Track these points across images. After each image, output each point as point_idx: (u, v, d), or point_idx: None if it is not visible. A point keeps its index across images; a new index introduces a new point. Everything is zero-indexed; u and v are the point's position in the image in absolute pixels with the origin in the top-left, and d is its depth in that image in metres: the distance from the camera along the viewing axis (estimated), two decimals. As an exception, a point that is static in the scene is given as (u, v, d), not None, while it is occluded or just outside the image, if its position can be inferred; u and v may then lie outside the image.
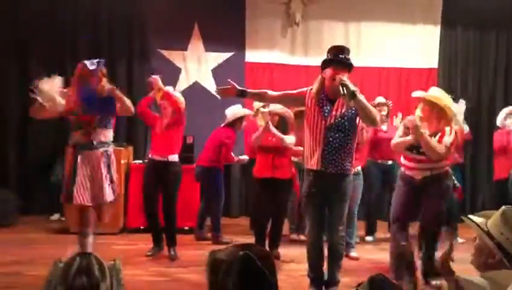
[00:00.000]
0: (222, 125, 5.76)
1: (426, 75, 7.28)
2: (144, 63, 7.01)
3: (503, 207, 1.69)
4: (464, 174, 6.46)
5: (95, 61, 4.03)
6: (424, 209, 4.06)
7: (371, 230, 5.86)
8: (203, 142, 5.98)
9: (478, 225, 1.69)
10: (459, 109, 4.17)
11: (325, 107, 3.58)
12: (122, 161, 5.78)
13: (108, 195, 4.02)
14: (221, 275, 1.53)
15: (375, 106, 5.91)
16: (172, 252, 4.97)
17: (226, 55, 7.14)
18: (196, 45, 7.11)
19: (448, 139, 3.94)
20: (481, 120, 7.34)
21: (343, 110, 3.57)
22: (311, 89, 3.67)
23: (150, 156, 5.18)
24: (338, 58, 3.58)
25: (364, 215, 5.96)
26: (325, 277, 3.77)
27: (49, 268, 1.52)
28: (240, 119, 5.67)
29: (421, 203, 4.05)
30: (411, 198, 4.03)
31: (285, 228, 5.46)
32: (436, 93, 4.05)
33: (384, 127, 5.64)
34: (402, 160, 4.17)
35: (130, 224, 6.00)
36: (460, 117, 4.24)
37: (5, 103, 6.91)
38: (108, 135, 4.11)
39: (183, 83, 7.09)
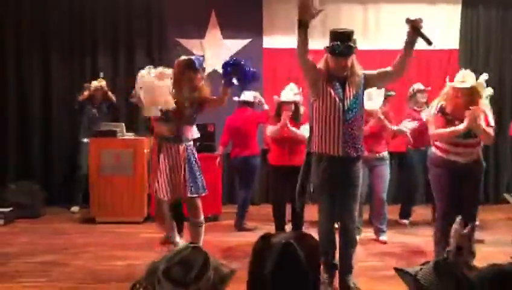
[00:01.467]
0: (239, 107, 5.74)
1: (447, 56, 7.17)
2: (163, 53, 7.03)
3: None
4: (488, 154, 6.32)
5: (199, 58, 4.11)
6: (467, 191, 3.95)
7: (408, 214, 5.99)
8: (221, 128, 5.97)
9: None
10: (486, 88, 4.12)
11: (339, 89, 3.48)
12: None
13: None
14: (260, 259, 1.51)
15: (415, 93, 5.88)
16: None
17: (243, 42, 7.12)
18: (214, 33, 7.10)
19: (491, 119, 3.91)
20: (504, 101, 7.23)
21: (354, 91, 3.50)
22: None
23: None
24: (341, 48, 3.41)
25: (404, 199, 6.12)
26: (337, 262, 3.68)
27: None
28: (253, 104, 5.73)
29: (463, 186, 3.93)
30: (456, 186, 3.91)
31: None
32: (470, 79, 3.94)
33: (423, 115, 5.56)
34: (442, 145, 3.97)
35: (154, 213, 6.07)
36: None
37: (27, 96, 7.01)
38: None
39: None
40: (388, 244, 5.07)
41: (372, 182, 5.17)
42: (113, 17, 7.06)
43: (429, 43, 3.32)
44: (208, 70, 7.13)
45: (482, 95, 3.95)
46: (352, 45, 3.47)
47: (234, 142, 5.76)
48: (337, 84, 3.50)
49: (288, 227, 5.19)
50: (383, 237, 5.17)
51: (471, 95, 3.83)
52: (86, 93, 6.40)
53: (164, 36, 7.03)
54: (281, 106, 5.05)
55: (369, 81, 3.60)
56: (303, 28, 3.37)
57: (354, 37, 3.52)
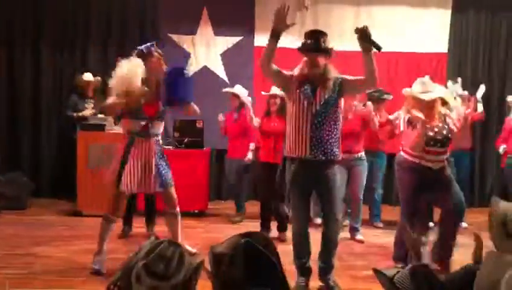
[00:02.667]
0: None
1: (436, 60, 7.25)
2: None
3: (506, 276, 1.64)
4: (474, 159, 6.36)
5: (147, 45, 4.01)
6: (438, 195, 4.03)
7: None
8: (211, 127, 6.03)
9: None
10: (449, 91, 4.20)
11: (310, 93, 3.50)
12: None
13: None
14: (225, 267, 1.52)
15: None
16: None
17: (235, 40, 7.15)
18: (205, 29, 7.12)
19: (453, 115, 4.01)
20: (491, 104, 7.30)
21: (326, 96, 3.51)
22: (294, 74, 3.59)
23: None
24: (312, 44, 3.48)
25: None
26: (318, 264, 3.70)
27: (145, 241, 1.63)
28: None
29: (433, 191, 4.01)
30: (422, 190, 3.99)
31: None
32: (432, 90, 4.00)
33: None
34: (412, 151, 4.03)
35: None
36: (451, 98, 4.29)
37: (17, 88, 6.99)
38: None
39: (193, 67, 7.12)
40: (372, 244, 5.13)
41: (350, 182, 5.19)
42: (106, 11, 7.05)
43: (378, 48, 3.32)
44: (199, 67, 7.17)
45: (447, 101, 4.02)
46: (323, 44, 3.50)
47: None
48: (309, 88, 3.51)
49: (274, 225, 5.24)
50: (359, 236, 5.24)
51: (432, 106, 3.92)
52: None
53: (157, 31, 7.02)
54: (269, 100, 5.28)
55: (345, 87, 3.57)
56: (275, 37, 3.40)
57: (330, 40, 3.56)
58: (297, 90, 3.53)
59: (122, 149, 3.95)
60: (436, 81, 6.76)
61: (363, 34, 3.34)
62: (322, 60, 3.51)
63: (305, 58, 3.58)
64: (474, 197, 7.32)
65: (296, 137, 3.53)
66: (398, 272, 1.67)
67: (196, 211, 5.97)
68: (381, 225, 5.88)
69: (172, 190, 4.11)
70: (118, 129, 6.15)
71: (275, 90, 5.18)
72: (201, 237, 5.07)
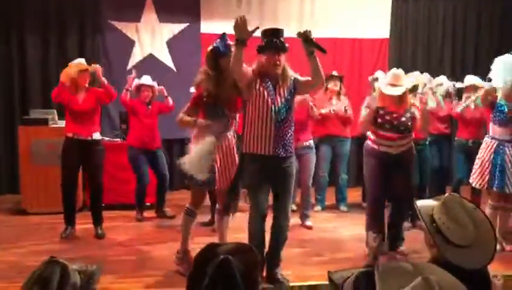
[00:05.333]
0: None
1: (378, 45, 7.45)
2: (96, 35, 6.79)
3: (447, 195, 1.79)
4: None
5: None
6: (398, 181, 4.21)
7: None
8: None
9: (419, 211, 1.80)
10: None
11: (271, 91, 3.56)
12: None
13: None
14: (200, 270, 1.49)
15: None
16: (99, 231, 4.94)
17: (180, 26, 7.00)
18: (149, 16, 6.92)
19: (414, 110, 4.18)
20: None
21: (286, 94, 3.58)
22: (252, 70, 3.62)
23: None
24: (273, 43, 3.50)
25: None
26: (265, 258, 3.71)
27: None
28: None
29: (393, 176, 4.19)
30: (386, 174, 4.18)
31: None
32: (402, 83, 4.11)
33: None
34: (373, 136, 4.23)
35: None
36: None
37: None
38: None
39: (138, 55, 6.94)
40: (322, 229, 5.28)
41: (299, 170, 5.24)
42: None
43: (323, 51, 3.41)
44: (144, 54, 6.99)
45: (415, 93, 4.22)
46: (283, 41, 3.54)
47: None
48: (270, 86, 3.56)
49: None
50: (308, 222, 5.37)
51: (402, 97, 4.09)
52: None
53: (98, 18, 6.76)
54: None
55: (298, 87, 3.65)
56: (240, 45, 3.40)
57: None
58: (260, 88, 3.55)
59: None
60: (378, 66, 7.05)
61: (307, 38, 3.40)
62: (282, 59, 3.55)
63: (262, 58, 3.56)
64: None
65: (259, 135, 3.55)
66: (348, 277, 1.66)
67: (148, 204, 5.90)
68: (345, 209, 6.02)
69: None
70: (62, 124, 5.98)
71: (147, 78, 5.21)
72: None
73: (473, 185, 4.67)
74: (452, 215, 1.71)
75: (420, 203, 1.86)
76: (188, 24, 7.00)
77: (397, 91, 4.05)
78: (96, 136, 4.87)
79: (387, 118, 4.10)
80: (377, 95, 4.24)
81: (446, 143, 5.93)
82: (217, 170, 3.78)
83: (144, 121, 5.48)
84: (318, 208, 6.01)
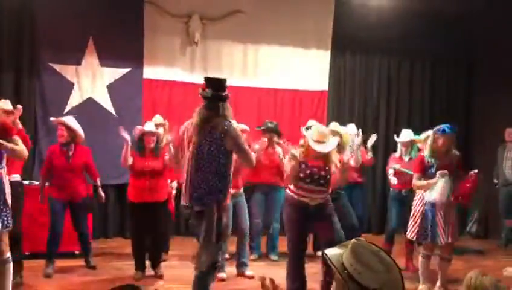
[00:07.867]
0: None
1: (318, 97, 7.71)
2: (33, 77, 6.60)
3: (353, 240, 1.83)
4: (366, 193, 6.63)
5: None
6: (323, 229, 4.28)
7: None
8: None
9: (330, 260, 1.81)
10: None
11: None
12: None
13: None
14: None
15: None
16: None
17: (122, 71, 6.95)
18: (90, 60, 6.83)
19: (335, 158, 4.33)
20: (366, 139, 7.88)
21: (212, 148, 3.62)
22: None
23: None
24: (217, 94, 3.65)
25: None
26: None
27: None
28: None
29: (316, 225, 4.28)
30: (306, 224, 4.25)
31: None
32: (315, 136, 4.21)
33: None
34: (293, 187, 4.28)
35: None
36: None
37: None
38: None
39: (77, 98, 6.78)
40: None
41: (236, 216, 5.22)
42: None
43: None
44: (83, 98, 6.84)
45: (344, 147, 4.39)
46: (223, 94, 3.67)
47: None
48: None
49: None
50: (248, 272, 5.21)
51: (327, 155, 4.22)
52: None
53: (36, 59, 6.60)
54: (143, 136, 5.05)
55: (227, 142, 3.66)
56: None
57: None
58: (191, 139, 3.65)
59: None
60: (318, 117, 7.24)
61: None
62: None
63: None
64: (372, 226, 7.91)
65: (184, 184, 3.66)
66: None
67: (77, 252, 5.58)
68: (276, 257, 5.91)
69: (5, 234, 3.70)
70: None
71: (151, 126, 5.11)
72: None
73: (408, 237, 4.86)
74: (362, 260, 1.73)
75: (329, 251, 1.87)
76: (130, 69, 6.96)
77: (325, 148, 4.17)
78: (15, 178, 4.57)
79: (308, 172, 4.18)
80: (303, 148, 4.27)
81: (358, 191, 6.18)
82: None
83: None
84: (255, 256, 5.92)
